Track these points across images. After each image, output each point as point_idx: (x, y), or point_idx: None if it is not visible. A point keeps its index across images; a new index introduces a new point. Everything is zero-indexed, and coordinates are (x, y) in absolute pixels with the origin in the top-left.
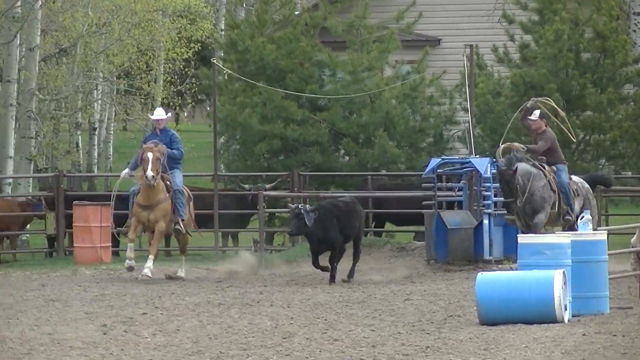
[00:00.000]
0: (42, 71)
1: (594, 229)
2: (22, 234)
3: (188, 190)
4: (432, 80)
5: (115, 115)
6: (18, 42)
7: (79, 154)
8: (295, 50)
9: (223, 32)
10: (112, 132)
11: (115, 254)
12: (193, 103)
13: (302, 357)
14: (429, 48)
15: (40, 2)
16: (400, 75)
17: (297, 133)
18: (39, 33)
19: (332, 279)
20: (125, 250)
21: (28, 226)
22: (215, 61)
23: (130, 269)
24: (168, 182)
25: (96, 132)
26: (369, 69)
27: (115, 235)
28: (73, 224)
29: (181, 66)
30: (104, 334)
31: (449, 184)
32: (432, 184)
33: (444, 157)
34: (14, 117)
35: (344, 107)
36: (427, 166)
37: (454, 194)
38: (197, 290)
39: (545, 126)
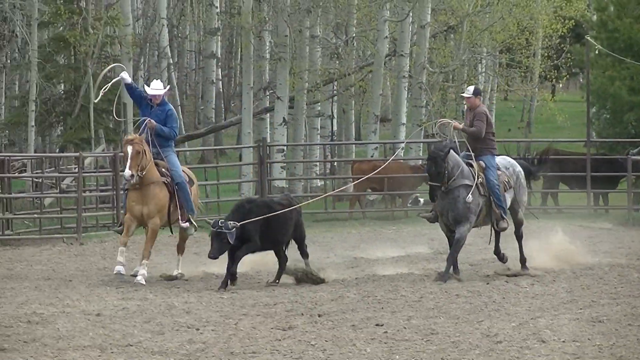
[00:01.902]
0: (432, 46)
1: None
2: (413, 194)
3: (189, 173)
4: None
5: (497, 86)
6: (410, 20)
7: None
8: None
9: (595, 13)
10: (494, 102)
11: None
12: (567, 76)
13: None
14: None
15: None
16: None
17: None
18: (429, 12)
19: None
20: None
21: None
22: (588, 39)
23: (120, 275)
24: (163, 169)
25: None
26: None
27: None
28: None
29: (557, 42)
30: (487, 284)
31: None
32: None
33: None
34: (406, 88)
35: None
36: None
37: None
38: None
39: (480, 104)
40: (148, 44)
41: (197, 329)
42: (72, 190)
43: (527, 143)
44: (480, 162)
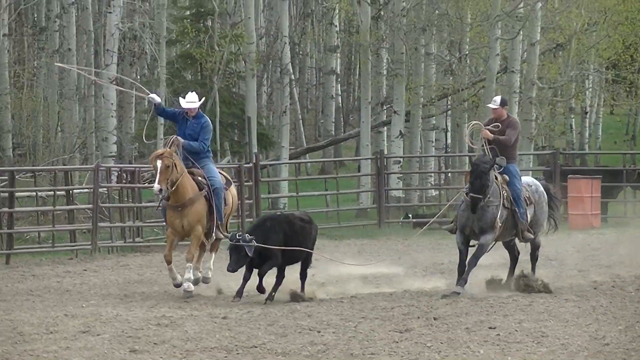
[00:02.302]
0: (541, 63)
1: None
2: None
3: (226, 175)
4: None
5: (603, 101)
6: (521, 38)
7: (572, 135)
8: None
9: None
10: (600, 116)
11: (604, 220)
12: None
13: None
14: None
15: (540, 4)
16: None
17: None
18: (538, 30)
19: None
20: None
21: None
22: None
23: (178, 285)
24: (200, 178)
25: (587, 116)
26: None
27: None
28: (568, 195)
29: None
30: (595, 288)
31: None
32: None
33: None
34: (517, 103)
35: None
36: None
37: None
38: None
39: (508, 114)
40: (271, 61)
41: (319, 331)
42: None
43: (631, 155)
44: (504, 175)
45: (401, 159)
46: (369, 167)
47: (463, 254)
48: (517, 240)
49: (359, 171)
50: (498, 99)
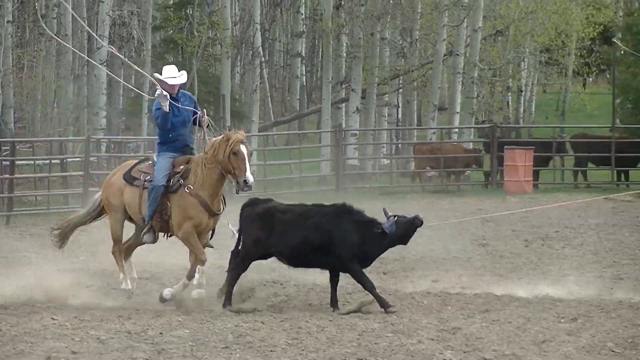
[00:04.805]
0: (483, 47)
1: None
2: (465, 171)
3: None
4: None
5: (537, 81)
6: (465, 25)
7: (509, 110)
8: None
9: (621, 18)
10: (534, 94)
11: (535, 186)
12: (597, 71)
13: None
14: None
15: None
16: None
17: None
18: (481, 18)
19: None
20: None
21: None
22: (615, 41)
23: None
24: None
25: (522, 94)
26: None
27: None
28: (504, 164)
29: (588, 43)
30: (526, 246)
31: None
32: None
33: None
34: (460, 82)
35: None
36: None
37: None
38: (596, 214)
39: None
40: (244, 45)
41: (281, 284)
42: None
43: (561, 128)
44: None
45: (357, 132)
46: (328, 138)
47: None
48: None
49: (319, 142)
50: None
